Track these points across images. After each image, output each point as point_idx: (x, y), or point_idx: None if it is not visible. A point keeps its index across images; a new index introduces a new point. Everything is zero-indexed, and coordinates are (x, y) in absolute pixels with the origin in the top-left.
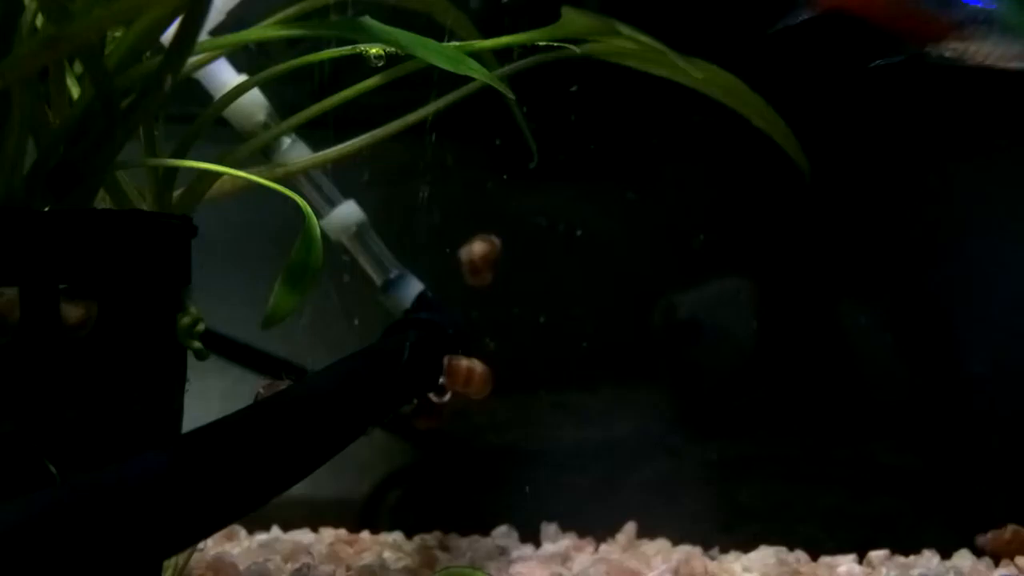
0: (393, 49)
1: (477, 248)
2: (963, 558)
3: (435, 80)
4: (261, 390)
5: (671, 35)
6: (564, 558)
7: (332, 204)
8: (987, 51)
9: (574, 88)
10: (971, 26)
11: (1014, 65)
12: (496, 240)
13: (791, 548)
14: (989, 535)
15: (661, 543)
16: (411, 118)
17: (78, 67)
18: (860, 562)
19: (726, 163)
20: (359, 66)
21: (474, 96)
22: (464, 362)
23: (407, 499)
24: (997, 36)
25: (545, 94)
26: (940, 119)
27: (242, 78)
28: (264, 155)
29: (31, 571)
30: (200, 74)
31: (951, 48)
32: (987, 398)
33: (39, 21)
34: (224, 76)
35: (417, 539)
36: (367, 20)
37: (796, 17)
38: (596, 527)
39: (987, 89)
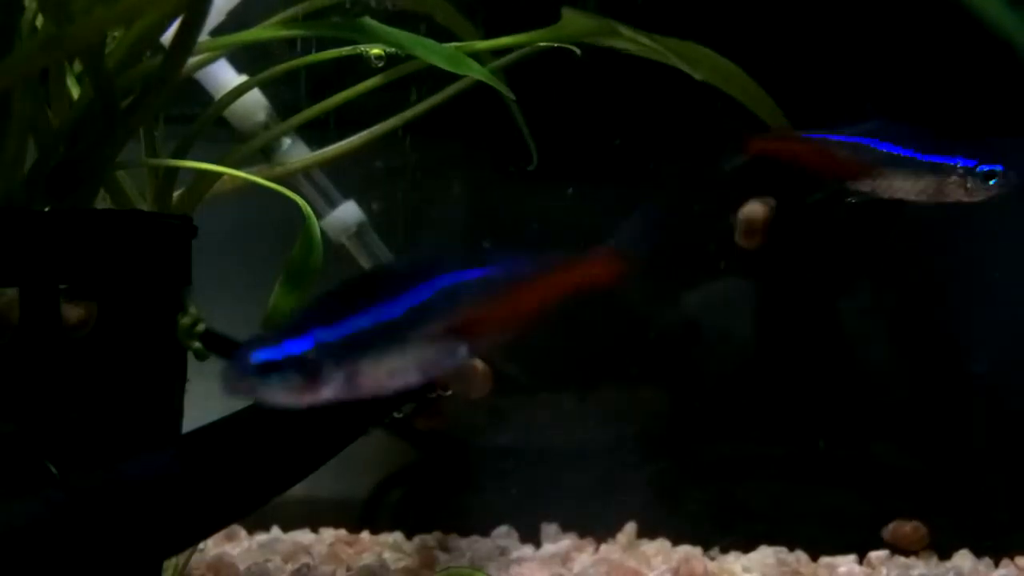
0: (393, 49)
1: (756, 209)
2: (963, 558)
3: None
4: None
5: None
6: (564, 558)
7: (332, 204)
8: (896, 187)
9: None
10: (881, 167)
11: (919, 199)
12: (772, 203)
13: (791, 548)
14: (891, 526)
15: (661, 543)
16: (408, 114)
17: (78, 67)
18: (860, 562)
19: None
20: (357, 68)
21: (476, 96)
22: None
23: (407, 499)
24: (904, 174)
25: (547, 92)
26: (942, 117)
27: (242, 78)
28: (264, 155)
29: (32, 570)
30: (200, 74)
31: (866, 185)
32: (988, 398)
33: (39, 21)
34: (224, 76)
35: (417, 539)
36: (367, 21)
37: (731, 163)
38: (596, 527)
39: (989, 88)
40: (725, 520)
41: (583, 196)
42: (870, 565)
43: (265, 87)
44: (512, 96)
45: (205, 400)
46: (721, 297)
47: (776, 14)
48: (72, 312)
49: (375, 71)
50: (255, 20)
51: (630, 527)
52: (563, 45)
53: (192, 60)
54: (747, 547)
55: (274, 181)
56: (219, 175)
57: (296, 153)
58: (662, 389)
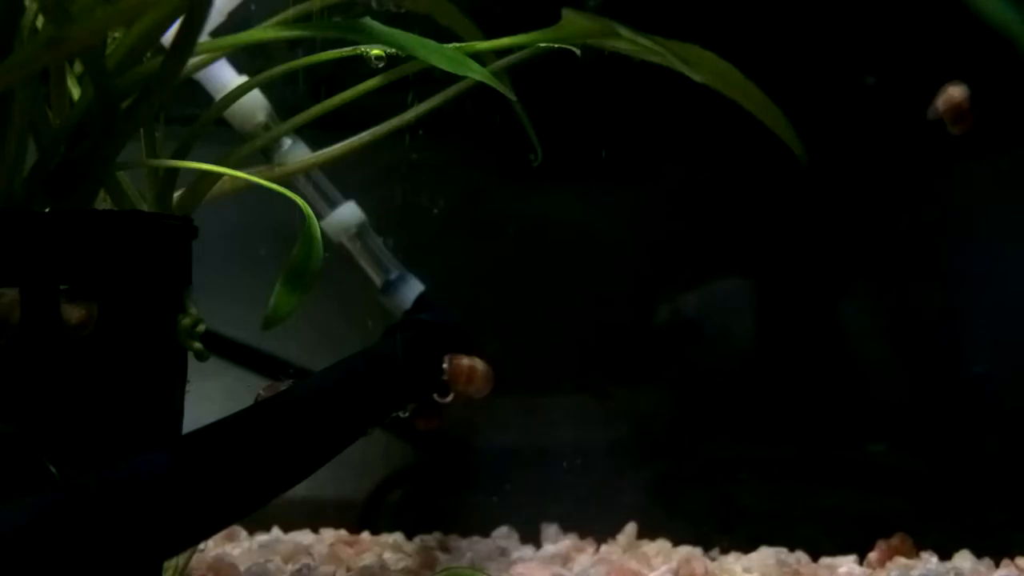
0: (394, 50)
1: (956, 92)
2: (963, 559)
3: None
4: (261, 391)
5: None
6: (565, 559)
7: (332, 205)
8: None
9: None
10: None
11: None
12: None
13: (791, 549)
14: (877, 545)
15: (661, 544)
16: (409, 115)
17: (78, 68)
18: (860, 563)
19: (726, 162)
20: (358, 68)
21: (475, 96)
22: (465, 361)
23: (407, 500)
24: None
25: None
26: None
27: (243, 79)
28: (264, 156)
29: (32, 572)
30: (201, 75)
31: None
32: (987, 398)
33: (40, 22)
34: (225, 77)
35: (417, 540)
36: (368, 21)
37: None
38: (597, 528)
39: (989, 88)
40: (725, 520)
41: (581, 197)
42: (870, 565)
43: (265, 88)
44: (513, 97)
45: (205, 400)
46: (721, 297)
47: (776, 15)
48: (73, 312)
49: (375, 71)
50: (255, 20)
51: (630, 527)
52: (563, 46)
53: (192, 61)
54: (747, 547)
55: (274, 182)
56: (219, 176)
57: (296, 154)
58: (662, 389)
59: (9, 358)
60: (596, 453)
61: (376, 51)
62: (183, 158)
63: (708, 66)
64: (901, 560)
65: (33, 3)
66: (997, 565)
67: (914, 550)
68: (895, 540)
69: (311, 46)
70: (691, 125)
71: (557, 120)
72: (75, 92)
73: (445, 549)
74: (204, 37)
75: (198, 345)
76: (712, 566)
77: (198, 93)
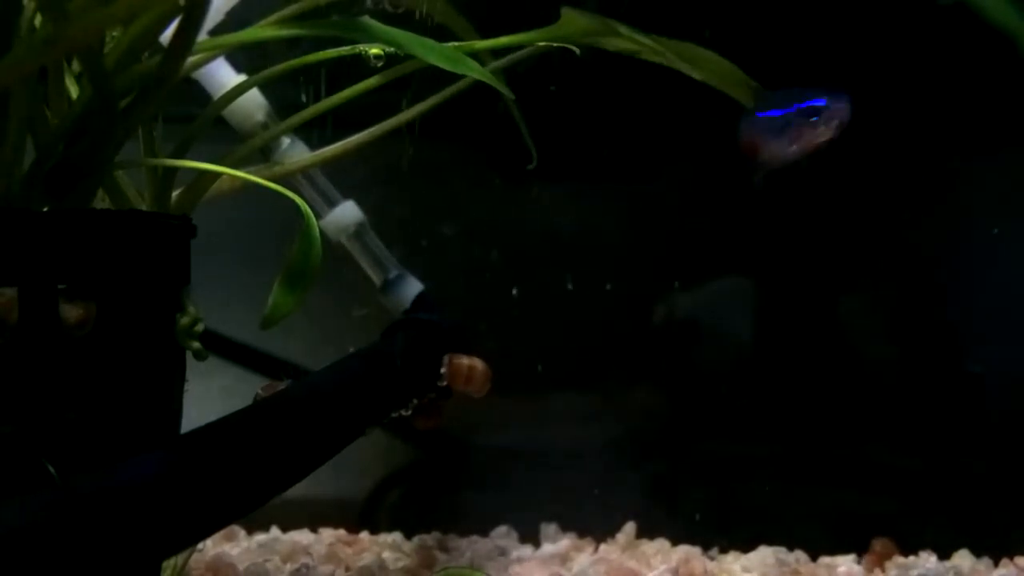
0: (392, 49)
1: None
2: (963, 558)
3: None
4: (260, 391)
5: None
6: (564, 558)
7: (331, 204)
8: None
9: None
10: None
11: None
12: None
13: (790, 548)
14: (865, 558)
15: (660, 543)
16: (408, 115)
17: (77, 67)
18: (859, 562)
19: (724, 161)
20: (357, 67)
21: (474, 96)
22: (464, 360)
23: (406, 499)
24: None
25: (542, 92)
26: (941, 117)
27: (241, 78)
28: (263, 155)
29: (30, 572)
30: (199, 74)
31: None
32: (987, 398)
33: (38, 21)
34: (223, 76)
35: (416, 539)
36: (366, 20)
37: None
38: (595, 527)
39: (988, 88)
40: (724, 520)
41: (580, 196)
42: (869, 565)
43: (264, 87)
44: (512, 96)
45: (205, 400)
46: (720, 296)
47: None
48: (71, 312)
49: (374, 70)
50: (254, 20)
51: (629, 527)
52: (562, 45)
53: (191, 60)
54: (746, 547)
55: (273, 181)
56: (218, 175)
57: (295, 153)
58: (661, 388)
59: (7, 358)
60: (595, 453)
61: (375, 50)
62: (182, 157)
63: (708, 65)
64: (900, 559)
65: (31, 2)
66: (996, 564)
67: (897, 551)
68: (879, 547)
69: (310, 45)
70: (690, 124)
71: (556, 120)
72: (73, 91)
73: (444, 548)
74: (202, 36)
75: (196, 344)
76: (711, 565)
77: (196, 92)
